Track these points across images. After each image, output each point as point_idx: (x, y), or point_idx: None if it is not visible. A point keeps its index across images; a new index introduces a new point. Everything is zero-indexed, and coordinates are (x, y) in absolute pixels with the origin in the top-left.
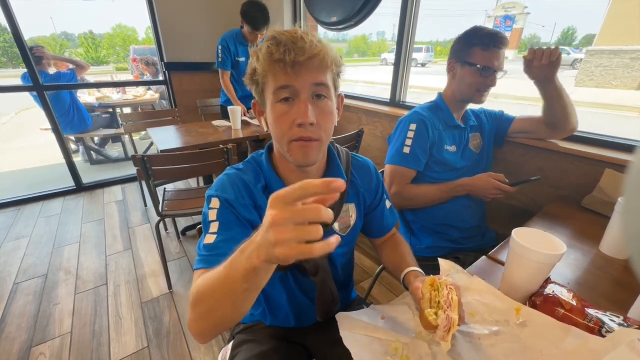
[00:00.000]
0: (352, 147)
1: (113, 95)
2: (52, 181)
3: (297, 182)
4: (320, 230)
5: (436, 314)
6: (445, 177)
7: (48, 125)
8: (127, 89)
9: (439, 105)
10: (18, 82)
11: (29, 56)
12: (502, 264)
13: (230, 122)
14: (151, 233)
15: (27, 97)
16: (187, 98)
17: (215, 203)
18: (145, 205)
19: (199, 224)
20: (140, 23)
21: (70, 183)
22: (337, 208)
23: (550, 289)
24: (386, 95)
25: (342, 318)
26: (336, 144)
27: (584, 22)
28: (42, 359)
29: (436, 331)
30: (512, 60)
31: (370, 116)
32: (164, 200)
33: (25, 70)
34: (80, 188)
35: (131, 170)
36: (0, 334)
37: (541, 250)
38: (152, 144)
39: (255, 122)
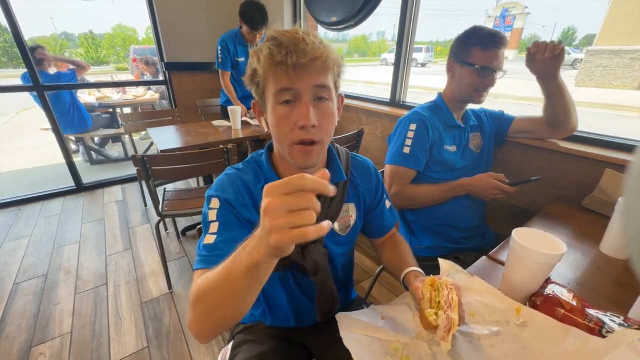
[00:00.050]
0: (352, 147)
1: (113, 95)
2: (52, 181)
3: None
4: (313, 215)
5: (436, 314)
6: (446, 177)
7: (48, 125)
8: (127, 89)
9: (439, 105)
10: (18, 82)
11: (29, 56)
12: (502, 264)
13: (230, 122)
14: (151, 233)
15: (27, 97)
16: (187, 98)
17: (215, 203)
18: (145, 205)
19: (199, 224)
20: (140, 23)
21: (70, 183)
22: (337, 208)
23: (550, 289)
24: (386, 95)
25: (342, 318)
26: (336, 144)
27: (584, 22)
28: (42, 359)
29: (436, 331)
30: (512, 60)
31: (370, 116)
32: (164, 200)
33: (25, 70)
34: (80, 188)
35: (131, 170)
36: (0, 334)
37: (541, 250)
38: (152, 144)
39: (255, 122)
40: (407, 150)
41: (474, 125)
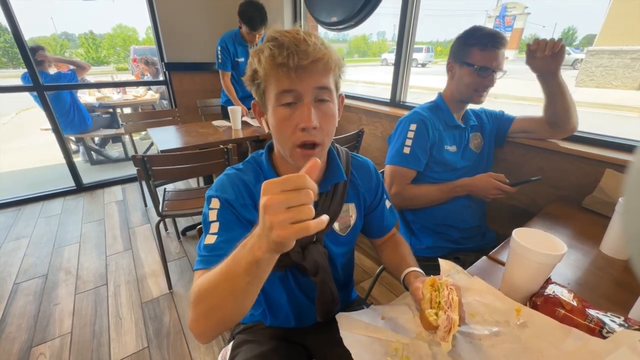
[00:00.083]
0: (352, 147)
1: (113, 95)
2: (52, 181)
3: None
4: (312, 210)
5: (436, 314)
6: (446, 177)
7: (48, 125)
8: (127, 89)
9: (439, 105)
10: (18, 82)
11: (29, 56)
12: (503, 264)
13: (230, 122)
14: (151, 233)
15: (27, 97)
16: (187, 98)
17: (215, 203)
18: (145, 205)
19: (199, 224)
20: (141, 23)
21: (70, 183)
22: (337, 208)
23: (550, 289)
24: (386, 95)
25: (342, 318)
26: (336, 144)
27: (584, 22)
28: (42, 359)
29: (436, 331)
30: (512, 60)
31: (370, 116)
32: (164, 200)
33: (25, 70)
34: (80, 188)
35: (131, 170)
36: (0, 334)
37: (541, 250)
38: (152, 144)
39: (255, 122)
40: (407, 150)
41: (474, 125)
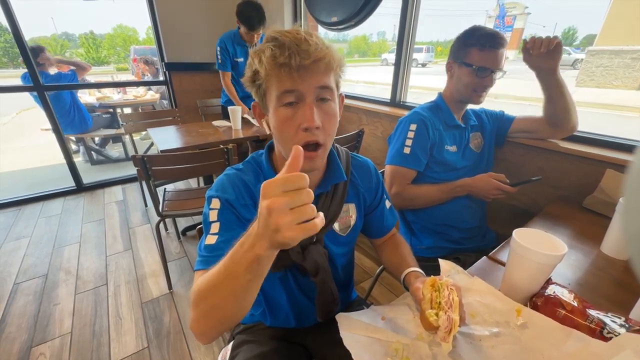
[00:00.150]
0: (352, 147)
1: (113, 95)
2: (52, 181)
3: None
4: (314, 209)
5: (437, 314)
6: (446, 177)
7: (48, 125)
8: (128, 89)
9: (439, 105)
10: (18, 82)
11: (30, 56)
12: (503, 264)
13: (230, 122)
14: (151, 233)
15: (27, 97)
16: (187, 98)
17: (216, 203)
18: (146, 205)
19: (199, 224)
20: (141, 23)
21: (70, 183)
22: (337, 208)
23: (551, 290)
24: (386, 95)
25: (342, 318)
26: (336, 144)
27: (584, 22)
28: (42, 359)
29: (437, 332)
30: (512, 60)
31: (371, 116)
32: (164, 200)
33: (26, 70)
34: (80, 188)
35: (131, 170)
36: (0, 334)
37: (542, 250)
38: (152, 144)
39: (255, 122)
40: (407, 150)
41: (475, 125)
